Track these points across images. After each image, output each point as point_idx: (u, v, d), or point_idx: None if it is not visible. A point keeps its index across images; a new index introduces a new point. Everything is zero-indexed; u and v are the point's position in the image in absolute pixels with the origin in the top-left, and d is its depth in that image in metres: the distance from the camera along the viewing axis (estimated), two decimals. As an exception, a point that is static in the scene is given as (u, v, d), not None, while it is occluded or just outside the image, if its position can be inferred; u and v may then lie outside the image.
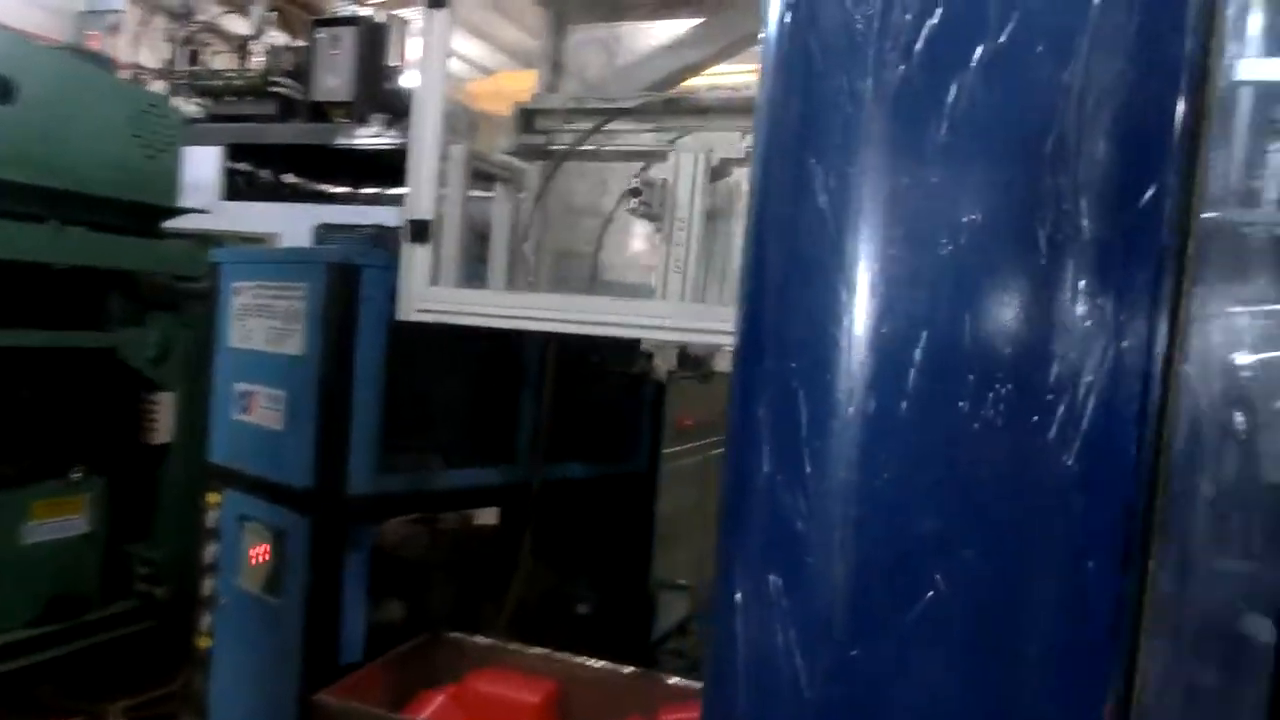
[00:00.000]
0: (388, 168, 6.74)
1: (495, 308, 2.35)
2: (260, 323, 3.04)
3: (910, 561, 1.11)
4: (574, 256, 3.04)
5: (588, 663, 2.80)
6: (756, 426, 1.26)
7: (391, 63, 6.59)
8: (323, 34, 6.32)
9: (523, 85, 3.34)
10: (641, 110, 2.46)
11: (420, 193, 2.40)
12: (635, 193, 2.14)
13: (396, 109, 6.14)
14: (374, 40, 6.31)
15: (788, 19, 1.26)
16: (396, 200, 7.04)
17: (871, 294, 1.15)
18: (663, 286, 2.14)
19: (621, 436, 3.60)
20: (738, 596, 1.28)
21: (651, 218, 2.20)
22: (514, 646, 2.89)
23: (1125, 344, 1.07)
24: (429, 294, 2.41)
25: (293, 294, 2.90)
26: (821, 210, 1.19)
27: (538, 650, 2.88)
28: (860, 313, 1.15)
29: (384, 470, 2.85)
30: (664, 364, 2.06)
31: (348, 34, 6.23)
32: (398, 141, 5.98)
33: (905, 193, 1.13)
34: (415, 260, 2.41)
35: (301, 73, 6.58)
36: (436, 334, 2.65)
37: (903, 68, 1.14)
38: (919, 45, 1.13)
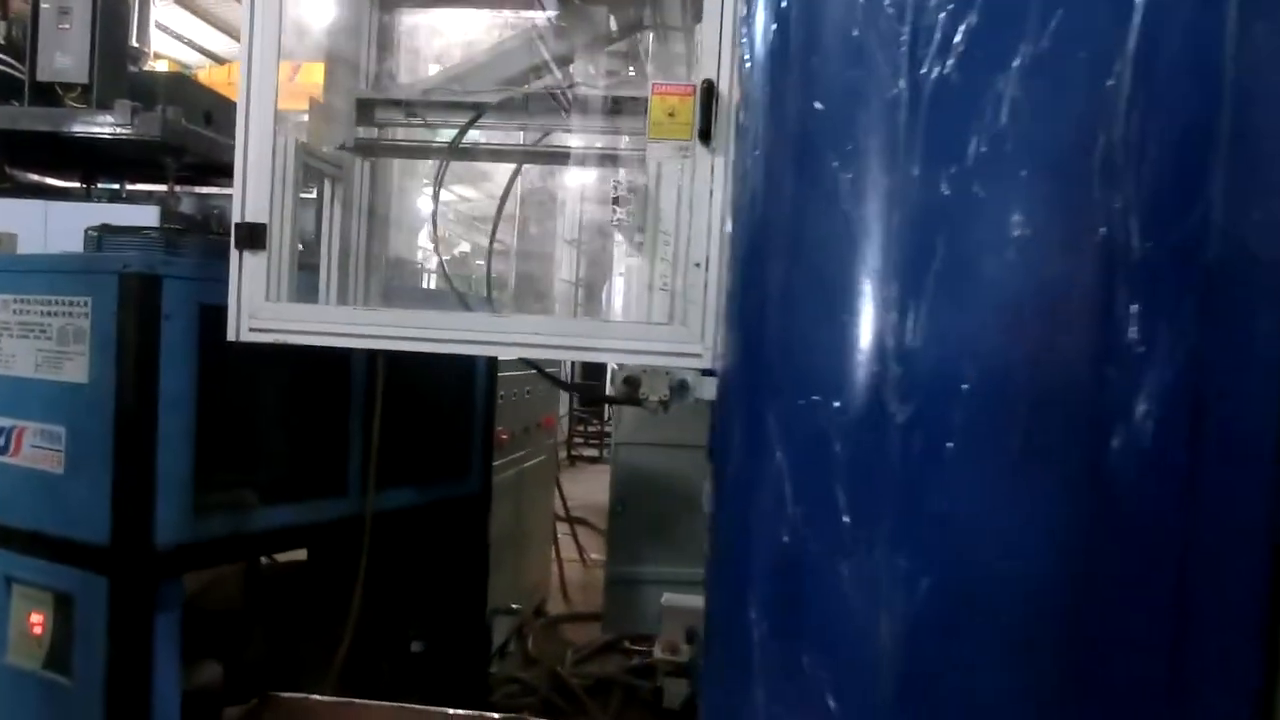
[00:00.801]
0: (131, 161, 5.99)
1: (352, 326, 2.05)
2: (24, 344, 2.52)
3: (981, 605, 1.02)
4: (404, 265, 2.77)
5: (448, 712, 2.55)
6: (771, 470, 1.13)
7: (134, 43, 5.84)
8: (48, 4, 5.48)
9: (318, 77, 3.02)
10: (505, 107, 2.25)
11: (252, 191, 2.06)
12: (619, 202, 1.95)
13: (141, 96, 5.44)
14: (113, 14, 5.55)
15: (792, 6, 1.14)
16: (149, 198, 6.26)
17: (914, 318, 1.05)
18: (648, 304, 1.96)
19: (452, 457, 3.34)
20: (754, 658, 1.14)
21: (631, 230, 2.01)
22: (359, 703, 2.59)
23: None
24: (265, 310, 2.08)
25: (71, 310, 2.43)
26: (850, 224, 1.08)
27: (385, 705, 2.60)
28: (902, 339, 1.05)
29: (197, 514, 2.45)
30: (653, 392, 1.88)
31: (80, 5, 5.44)
32: (144, 133, 5.31)
33: (946, 205, 1.04)
34: (248, 270, 2.07)
35: (18, 48, 5.68)
36: (251, 353, 2.31)
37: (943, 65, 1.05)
38: (958, 39, 1.04)
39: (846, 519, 1.04)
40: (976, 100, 1.00)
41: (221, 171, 6.31)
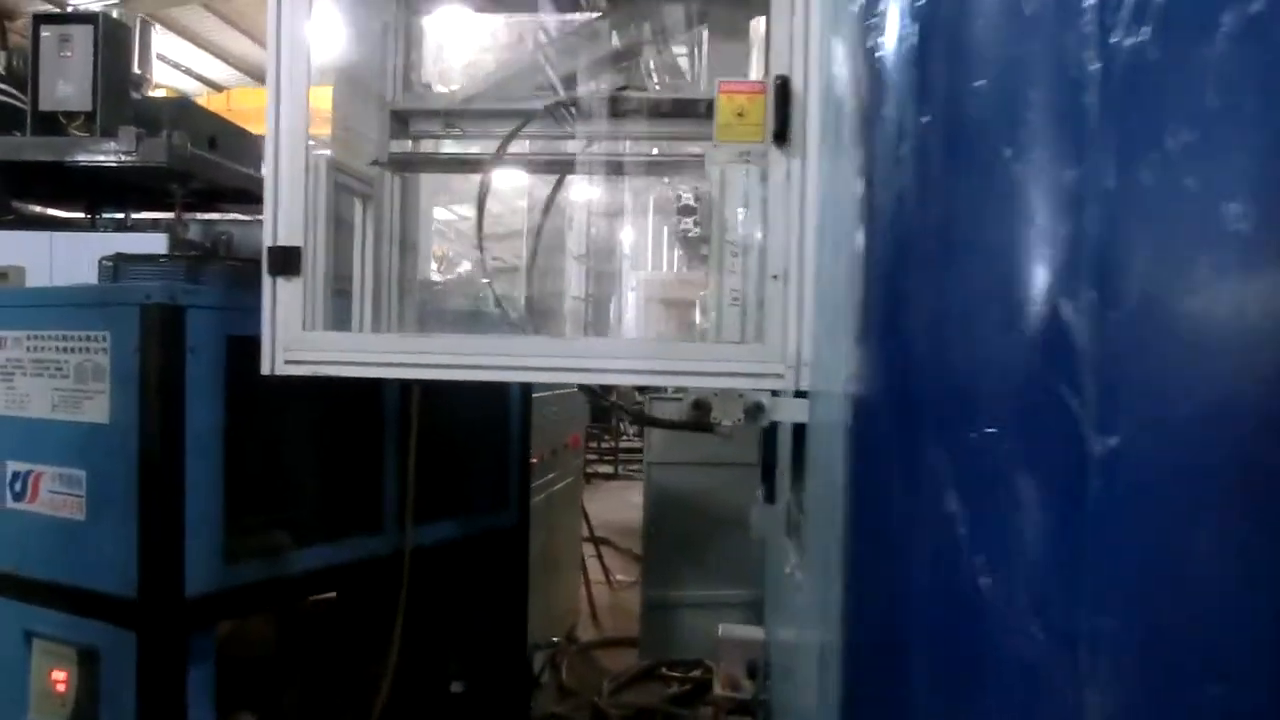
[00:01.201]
0: (136, 189, 5.85)
1: (398, 355, 1.90)
2: (40, 383, 2.37)
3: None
4: (431, 287, 2.62)
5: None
6: (937, 515, 0.97)
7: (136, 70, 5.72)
8: (48, 33, 5.35)
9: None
10: (551, 114, 2.10)
11: (284, 213, 1.91)
12: (687, 211, 1.81)
13: (145, 123, 5.31)
14: (115, 42, 5.43)
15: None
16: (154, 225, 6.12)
17: (1113, 332, 0.89)
18: (717, 324, 1.81)
19: (489, 487, 3.19)
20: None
21: (696, 242, 1.86)
22: (406, 753, 2.42)
23: None
24: (302, 340, 1.92)
25: (89, 345, 2.28)
26: (1030, 224, 0.92)
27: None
28: (1099, 359, 0.89)
29: (228, 559, 2.30)
30: (726, 416, 1.73)
31: (81, 33, 5.31)
32: (149, 160, 5.17)
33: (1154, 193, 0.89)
34: (282, 298, 1.91)
35: (19, 78, 5.56)
36: (279, 385, 2.17)
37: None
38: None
39: (1037, 570, 0.88)
40: (1181, 72, 0.84)
41: (227, 197, 6.18)
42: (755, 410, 2.12)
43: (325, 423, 2.60)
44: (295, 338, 1.91)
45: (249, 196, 6.21)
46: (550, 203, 2.40)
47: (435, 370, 1.83)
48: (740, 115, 1.89)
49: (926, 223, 1.00)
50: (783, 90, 1.83)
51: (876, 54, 1.12)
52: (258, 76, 14.52)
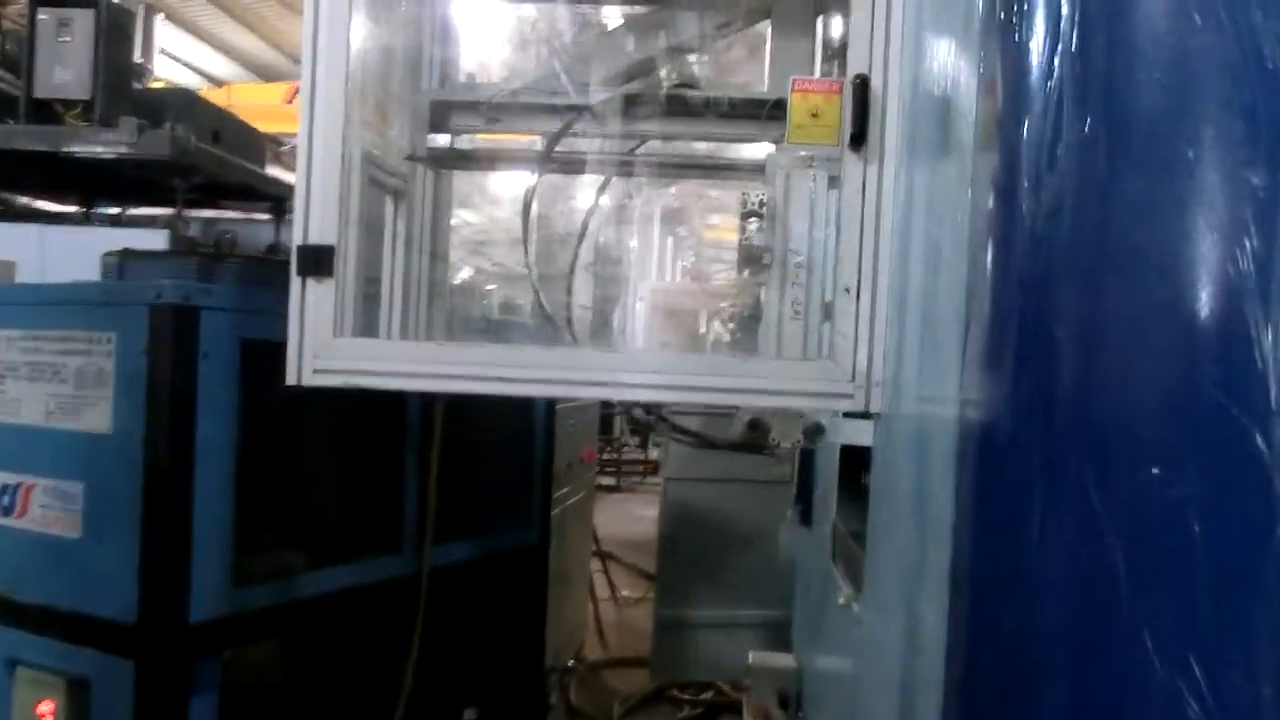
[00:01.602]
0: (134, 183, 5.65)
1: (440, 365, 1.71)
2: (35, 388, 2.18)
3: None
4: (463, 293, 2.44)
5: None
6: (1091, 560, 0.82)
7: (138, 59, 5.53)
8: (46, 16, 5.16)
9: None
10: (604, 109, 1.94)
11: (317, 208, 1.74)
12: (753, 215, 1.66)
13: (146, 114, 5.12)
14: (117, 28, 5.24)
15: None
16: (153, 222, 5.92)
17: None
18: (777, 337, 1.65)
19: (511, 504, 3.01)
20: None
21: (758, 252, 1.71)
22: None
23: None
24: (333, 348, 1.74)
25: (92, 348, 2.10)
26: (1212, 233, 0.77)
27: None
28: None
29: (237, 582, 2.12)
30: (785, 437, 1.58)
31: (82, 18, 5.12)
32: (152, 153, 4.99)
33: None
34: (312, 301, 1.73)
35: (13, 62, 5.38)
36: (295, 395, 2.00)
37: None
38: None
39: (1208, 634, 0.73)
40: None
41: (232, 194, 5.99)
42: (815, 432, 1.98)
43: (343, 434, 2.42)
44: (325, 345, 1.73)
45: (254, 194, 6.03)
46: (594, 209, 2.24)
47: (480, 384, 1.66)
48: (815, 116, 1.73)
49: (1083, 233, 0.85)
50: (862, 90, 1.67)
51: (1018, 52, 0.97)
52: (260, 72, 14.33)
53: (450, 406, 2.54)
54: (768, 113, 2.00)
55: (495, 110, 2.10)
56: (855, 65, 1.71)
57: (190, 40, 12.84)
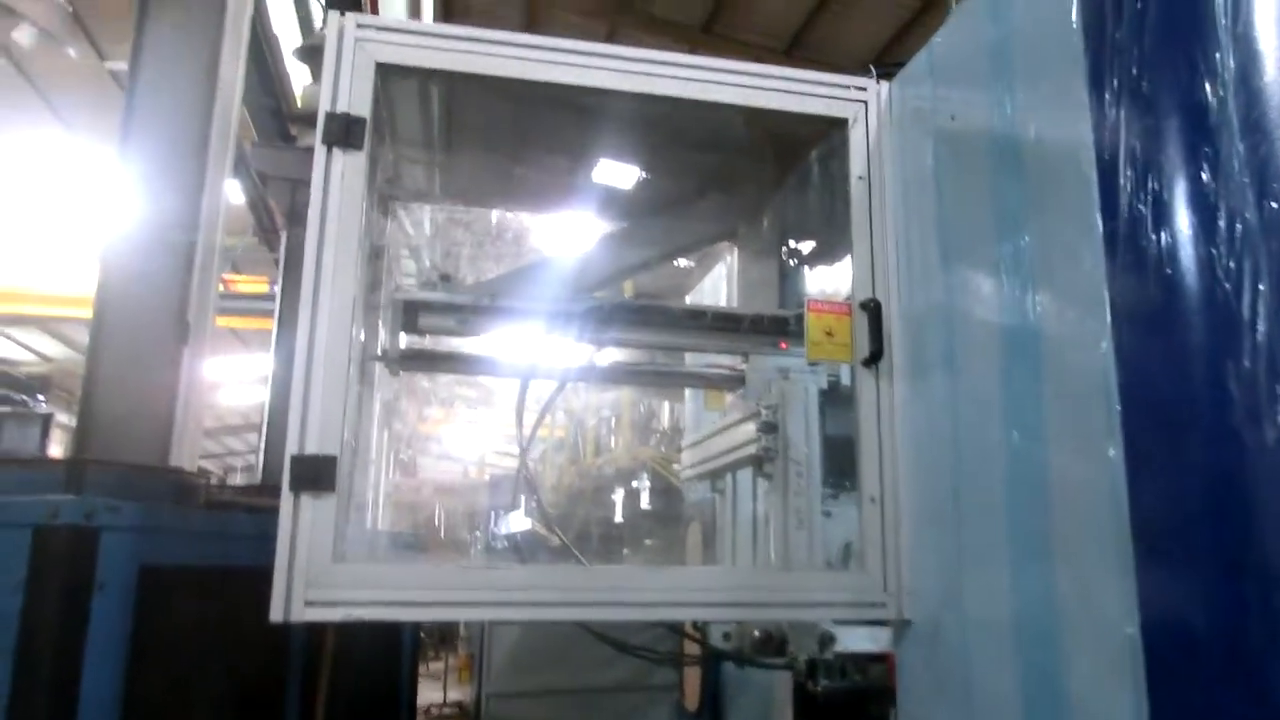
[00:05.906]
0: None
1: (464, 592, 1.53)
2: None
3: None
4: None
5: None
6: None
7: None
8: None
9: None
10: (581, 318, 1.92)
11: (318, 414, 1.57)
12: (769, 428, 1.63)
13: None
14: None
15: None
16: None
17: None
18: (784, 549, 1.59)
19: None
20: None
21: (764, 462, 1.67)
22: None
23: None
24: (332, 576, 1.53)
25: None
26: None
27: None
28: None
29: None
30: (802, 649, 1.52)
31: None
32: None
33: None
34: (307, 521, 1.53)
35: None
36: (187, 626, 1.83)
37: None
38: None
39: None
40: None
41: None
42: (827, 641, 1.95)
43: (230, 668, 2.08)
44: (322, 571, 1.52)
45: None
46: (549, 405, 2.18)
47: (514, 610, 1.50)
48: (829, 334, 1.81)
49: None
50: (875, 314, 1.79)
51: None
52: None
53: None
54: (748, 328, 2.07)
55: (464, 313, 2.03)
56: (860, 293, 1.83)
57: None
